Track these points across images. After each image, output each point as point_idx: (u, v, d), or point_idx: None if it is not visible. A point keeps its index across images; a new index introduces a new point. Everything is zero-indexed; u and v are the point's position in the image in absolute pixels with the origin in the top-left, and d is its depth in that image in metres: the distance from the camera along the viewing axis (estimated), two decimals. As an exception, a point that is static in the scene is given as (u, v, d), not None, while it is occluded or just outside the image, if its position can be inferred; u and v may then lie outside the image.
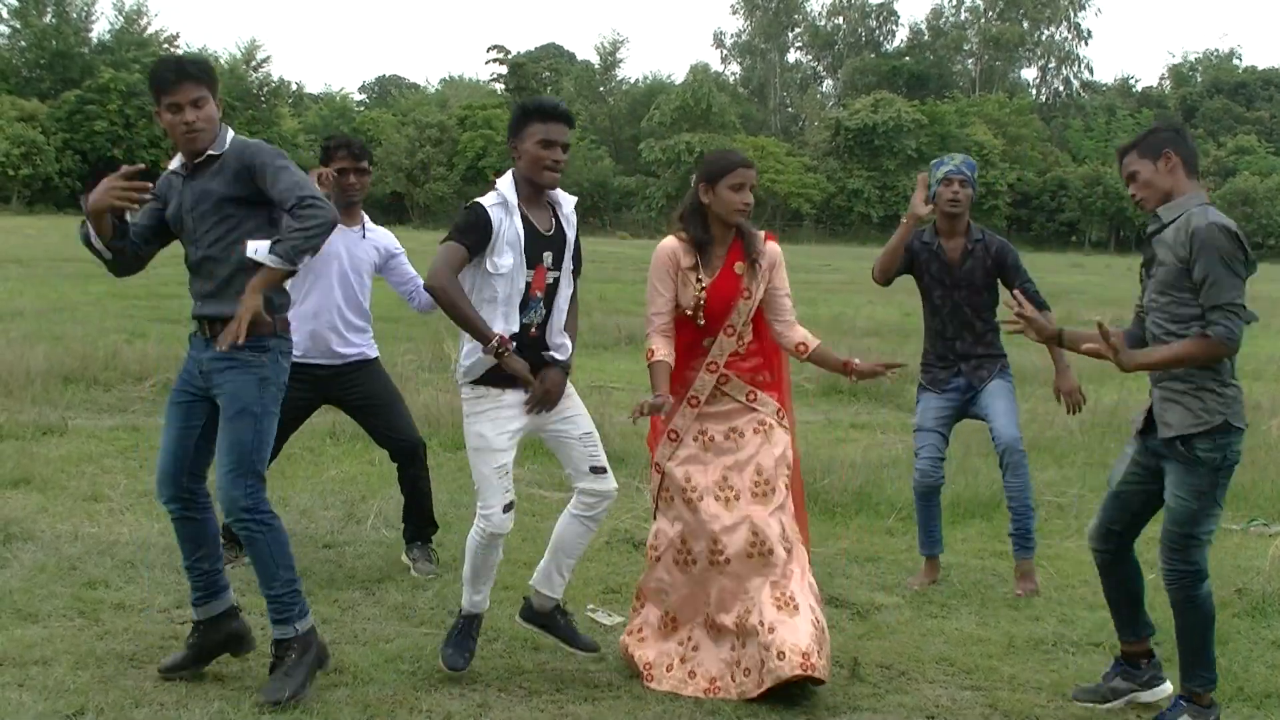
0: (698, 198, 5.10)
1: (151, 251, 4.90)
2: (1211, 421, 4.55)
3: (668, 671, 4.99)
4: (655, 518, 5.20)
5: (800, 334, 5.24)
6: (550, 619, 5.09)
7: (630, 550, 6.83)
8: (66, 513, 7.07)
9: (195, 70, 4.65)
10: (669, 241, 5.15)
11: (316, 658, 4.71)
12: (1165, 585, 4.65)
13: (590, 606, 5.84)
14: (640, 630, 5.17)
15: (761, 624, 4.82)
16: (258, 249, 4.46)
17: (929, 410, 6.44)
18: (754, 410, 5.14)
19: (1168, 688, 4.92)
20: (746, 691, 4.80)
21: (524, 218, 4.78)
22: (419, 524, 6.44)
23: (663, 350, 5.09)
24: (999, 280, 6.38)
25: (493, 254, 4.71)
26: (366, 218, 6.42)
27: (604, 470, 4.97)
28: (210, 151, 4.65)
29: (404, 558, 6.40)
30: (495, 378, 4.78)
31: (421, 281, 6.33)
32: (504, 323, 4.74)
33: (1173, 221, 4.59)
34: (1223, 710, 4.76)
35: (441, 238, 4.75)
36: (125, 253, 4.82)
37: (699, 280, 5.07)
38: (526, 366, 4.70)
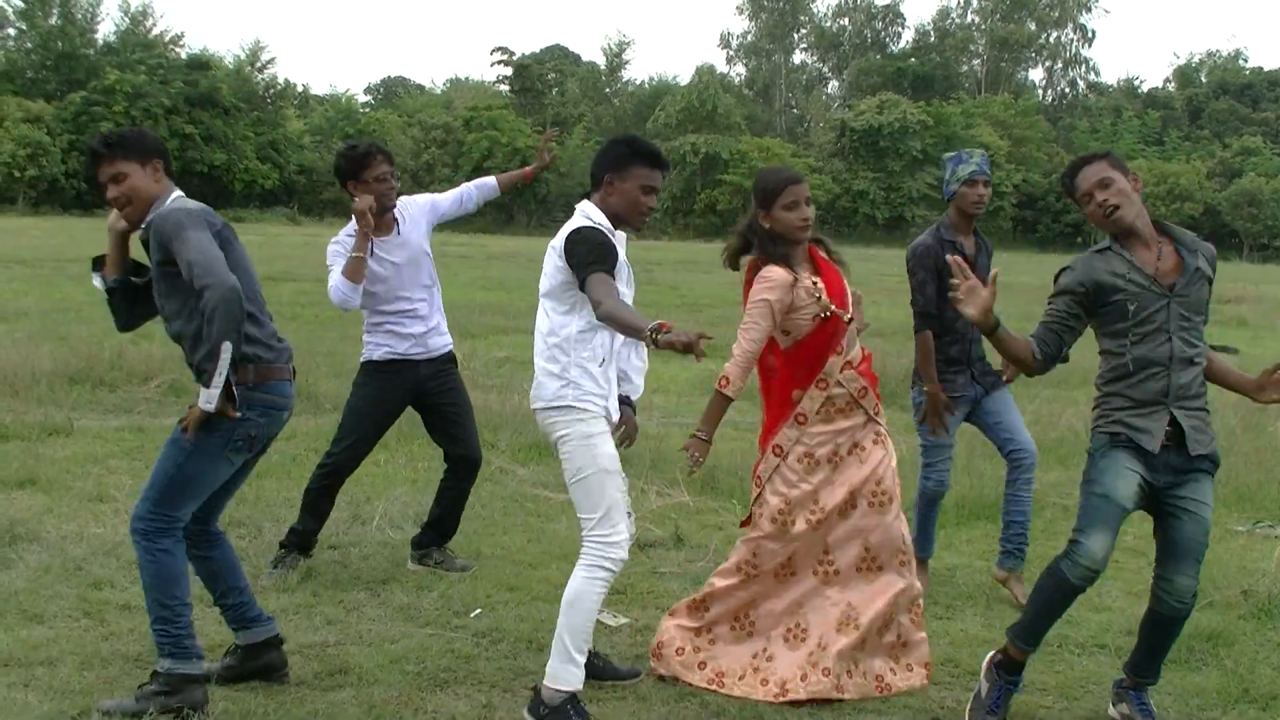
0: (760, 224, 5.02)
1: (146, 311, 4.95)
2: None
3: (740, 680, 5.01)
4: (758, 525, 5.07)
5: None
6: (589, 666, 4.84)
7: (635, 551, 6.80)
8: (72, 513, 7.07)
9: (104, 147, 4.67)
10: (780, 271, 4.91)
11: (181, 702, 4.48)
12: (1187, 601, 4.62)
13: (601, 609, 5.83)
14: (710, 640, 5.13)
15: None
16: (205, 399, 4.41)
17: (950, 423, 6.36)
18: (874, 422, 5.08)
19: None
20: (819, 691, 4.88)
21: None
22: (447, 532, 6.47)
23: (737, 385, 4.87)
24: None
25: (616, 279, 4.53)
26: (396, 214, 6.26)
27: (630, 514, 4.79)
28: (145, 224, 4.67)
29: (417, 565, 6.40)
30: (599, 395, 4.64)
31: (467, 188, 6.59)
32: (615, 346, 4.71)
33: (1183, 241, 4.64)
34: (1228, 712, 4.76)
35: (583, 256, 4.47)
36: (127, 294, 4.91)
37: (814, 281, 4.97)
38: (684, 334, 4.03)
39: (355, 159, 6.06)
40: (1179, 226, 4.74)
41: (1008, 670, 4.72)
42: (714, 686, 5.00)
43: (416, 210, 6.35)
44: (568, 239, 4.55)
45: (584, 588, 4.54)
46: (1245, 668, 5.31)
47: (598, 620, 5.60)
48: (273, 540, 6.58)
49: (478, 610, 5.71)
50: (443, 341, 6.38)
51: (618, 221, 4.72)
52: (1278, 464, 9.13)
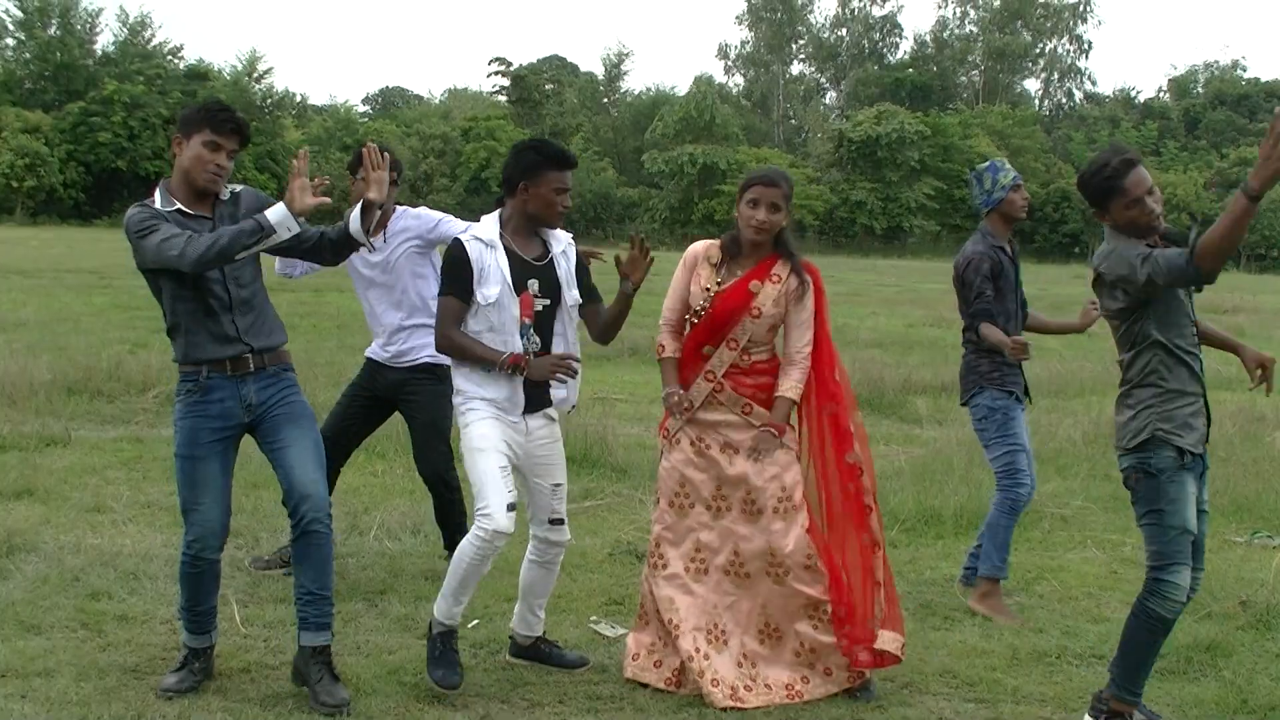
0: (735, 210, 5.21)
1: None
2: None
3: (696, 679, 5.01)
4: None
5: (782, 384, 5.14)
6: (535, 650, 5.28)
7: (633, 562, 6.82)
8: (69, 524, 7.07)
9: (247, 132, 4.82)
10: (704, 241, 5.29)
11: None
12: (1189, 596, 4.64)
13: (593, 619, 5.83)
14: (664, 642, 5.14)
15: (744, 652, 5.04)
16: (353, 219, 4.66)
17: (1022, 428, 6.26)
18: (751, 426, 5.12)
19: None
20: (714, 700, 4.90)
21: (507, 249, 4.94)
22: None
23: (671, 347, 5.23)
24: None
25: (480, 286, 4.85)
26: (399, 207, 6.30)
27: (561, 522, 5.15)
28: (223, 195, 4.82)
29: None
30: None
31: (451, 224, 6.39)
32: (510, 349, 4.87)
33: None
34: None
35: (441, 284, 4.96)
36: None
37: (715, 284, 5.13)
38: (545, 364, 4.85)
39: (355, 156, 6.11)
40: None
41: None
42: (669, 686, 5.04)
43: (413, 223, 6.30)
44: None
45: (464, 547, 4.85)
46: (1244, 679, 5.30)
47: (595, 630, 5.63)
48: (270, 550, 6.58)
49: (475, 621, 5.70)
50: (406, 351, 6.31)
51: (536, 223, 5.01)
52: (1275, 474, 9.13)
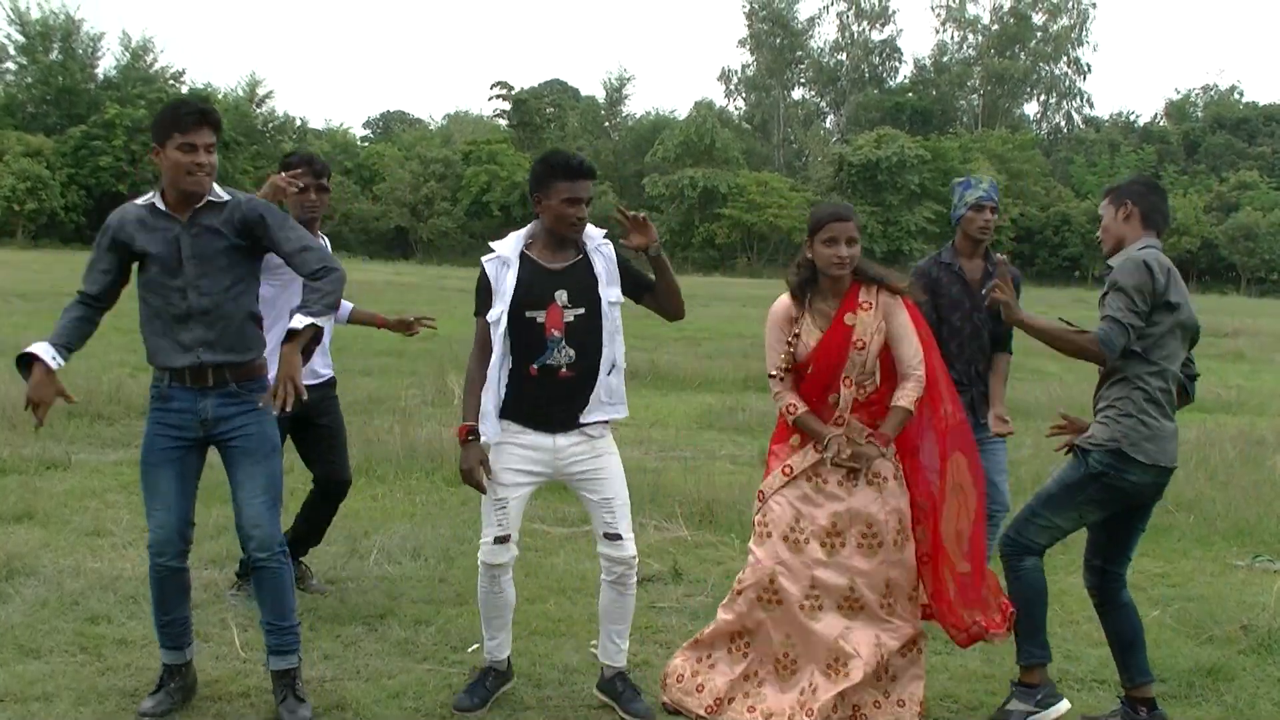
0: (804, 253, 5.13)
1: (116, 297, 4.89)
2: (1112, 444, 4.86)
3: (730, 704, 5.02)
4: (751, 549, 5.15)
5: (896, 394, 5.08)
6: (610, 685, 5.12)
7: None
8: (69, 548, 7.06)
9: (214, 118, 4.72)
10: (782, 299, 5.16)
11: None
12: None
13: (593, 643, 5.81)
14: (710, 664, 5.12)
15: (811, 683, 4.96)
16: (301, 319, 4.49)
17: None
18: (883, 459, 5.06)
19: None
20: None
21: (532, 262, 4.87)
22: (306, 546, 6.48)
23: (800, 404, 5.07)
24: None
25: (494, 305, 4.86)
26: (323, 235, 6.26)
27: (619, 537, 4.99)
28: (210, 197, 4.69)
29: (238, 578, 6.38)
30: (518, 414, 4.91)
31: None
32: (496, 368, 4.86)
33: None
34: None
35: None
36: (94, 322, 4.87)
37: (795, 335, 5.07)
38: (476, 460, 4.83)
39: (282, 165, 6.22)
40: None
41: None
42: (710, 714, 5.00)
43: None
44: None
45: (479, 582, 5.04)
46: (1245, 703, 5.29)
47: (595, 654, 5.61)
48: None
49: (475, 645, 5.68)
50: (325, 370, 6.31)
51: (555, 236, 4.93)
52: (1276, 498, 9.13)
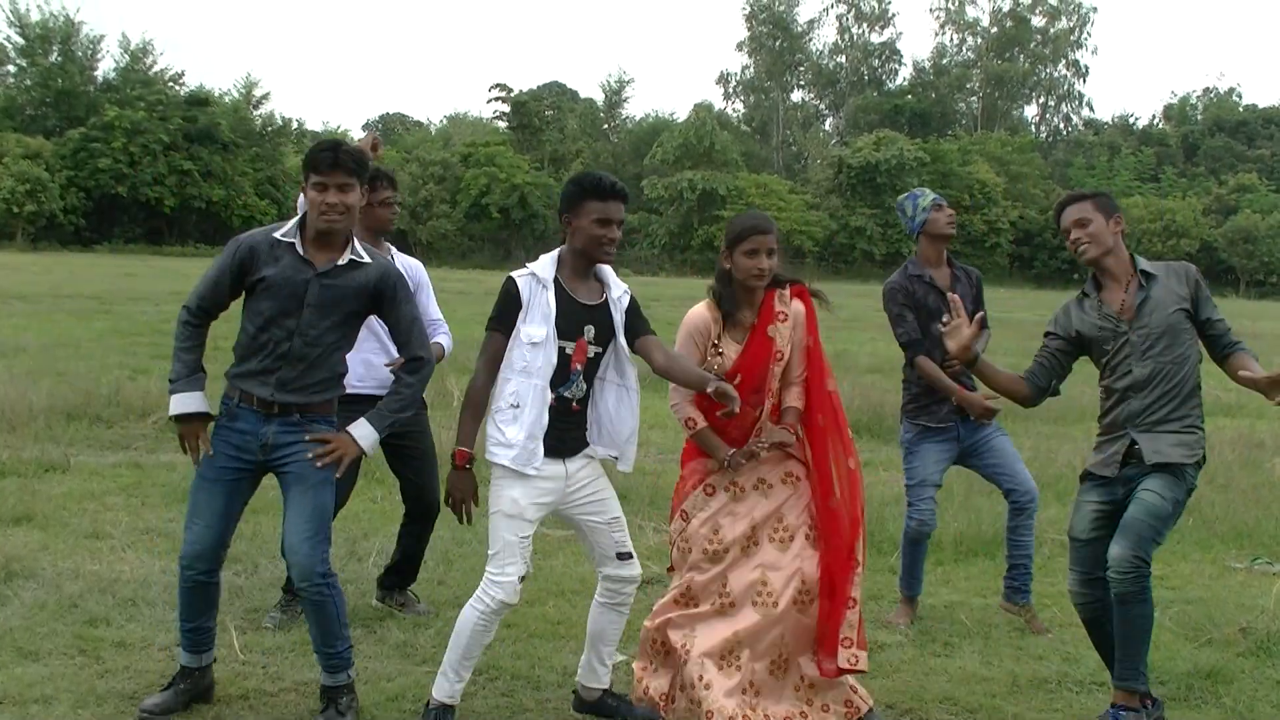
0: (722, 264, 5.10)
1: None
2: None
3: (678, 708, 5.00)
4: (672, 569, 5.19)
5: (786, 397, 5.12)
6: (602, 704, 5.03)
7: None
8: (68, 550, 7.06)
9: (349, 160, 4.70)
10: (699, 309, 5.13)
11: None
12: (1123, 571, 4.80)
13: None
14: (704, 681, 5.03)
15: (751, 680, 4.94)
16: (367, 432, 4.81)
17: (928, 462, 6.40)
18: (788, 458, 5.09)
19: None
20: None
21: (563, 290, 4.73)
22: (407, 576, 6.41)
23: (700, 418, 5.07)
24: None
25: (524, 323, 4.66)
26: (393, 249, 6.25)
27: (630, 556, 4.94)
28: (353, 257, 4.75)
29: (381, 603, 6.34)
30: (545, 446, 4.71)
31: (441, 323, 6.32)
32: (537, 394, 4.64)
33: (1156, 274, 5.05)
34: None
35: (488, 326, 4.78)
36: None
37: (714, 347, 5.06)
38: (470, 490, 4.67)
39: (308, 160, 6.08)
40: (1158, 261, 5.14)
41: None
42: (662, 703, 5.02)
43: (413, 270, 6.22)
44: None
45: (467, 614, 4.71)
46: (1244, 705, 5.29)
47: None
48: (269, 577, 6.57)
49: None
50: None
51: (585, 260, 4.79)
52: (1275, 500, 9.13)
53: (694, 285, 44.27)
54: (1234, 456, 10.80)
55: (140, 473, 9.26)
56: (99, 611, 5.95)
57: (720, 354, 5.04)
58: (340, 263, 4.71)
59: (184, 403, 4.72)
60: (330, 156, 4.64)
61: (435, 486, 6.29)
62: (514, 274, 4.73)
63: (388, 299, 4.79)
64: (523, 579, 4.68)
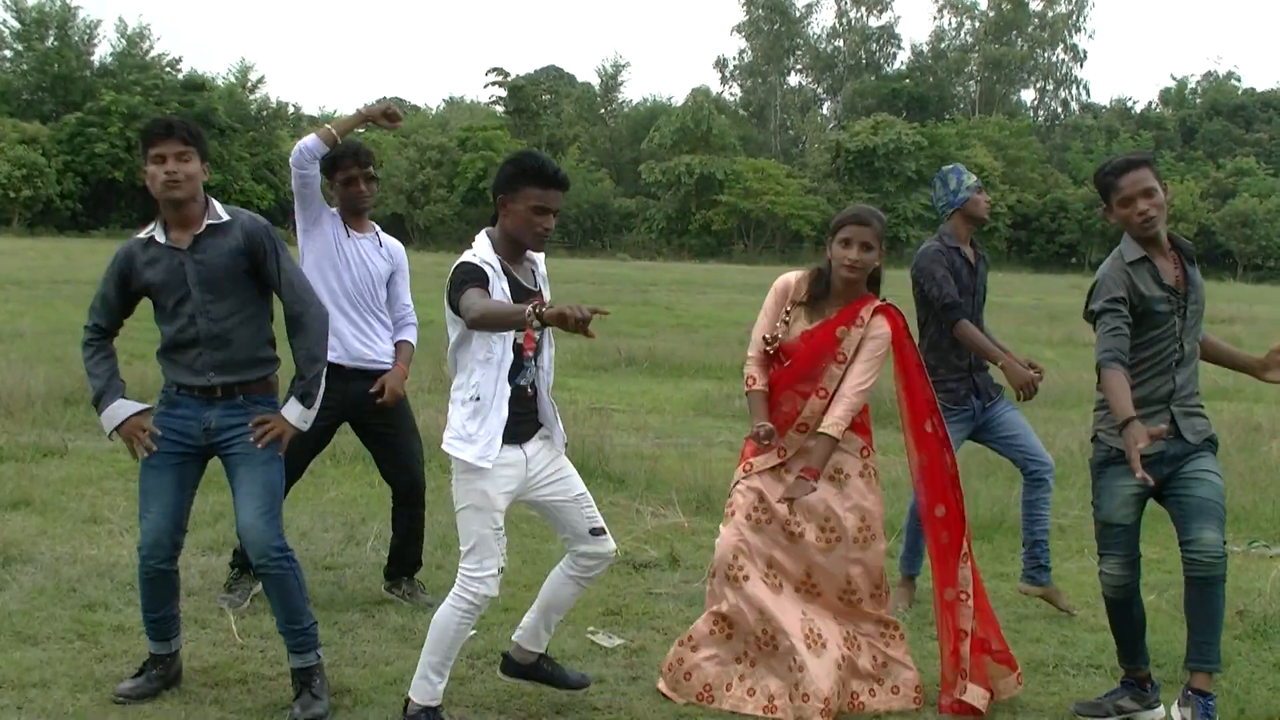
0: (826, 251, 5.16)
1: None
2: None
3: (727, 691, 5.02)
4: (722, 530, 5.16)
5: (825, 419, 5.03)
6: (536, 668, 4.97)
7: (630, 572, 6.82)
8: (66, 535, 7.06)
9: (180, 126, 4.70)
10: (795, 273, 5.20)
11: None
12: (1218, 555, 4.77)
13: (590, 629, 5.83)
14: (694, 648, 5.10)
15: (795, 660, 4.91)
16: (298, 410, 4.76)
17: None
18: (839, 451, 5.10)
19: (1162, 711, 5.01)
20: (805, 716, 4.83)
21: (511, 276, 4.55)
22: (410, 562, 6.35)
23: (760, 380, 5.14)
24: None
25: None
26: (378, 228, 6.24)
27: (603, 531, 4.85)
28: (210, 221, 4.71)
29: (389, 593, 6.29)
30: (504, 433, 4.53)
31: (411, 312, 6.30)
32: (499, 388, 4.48)
33: (1185, 250, 4.98)
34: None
35: (451, 296, 4.38)
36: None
37: (786, 315, 5.11)
38: (569, 308, 3.95)
39: (328, 160, 6.04)
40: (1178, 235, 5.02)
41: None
42: (701, 701, 5.00)
43: (396, 254, 6.26)
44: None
45: (446, 614, 4.56)
46: (1241, 688, 5.30)
47: (593, 640, 5.62)
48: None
49: (472, 631, 5.68)
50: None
51: (515, 245, 4.58)
52: (1272, 483, 9.14)
53: (692, 269, 44.28)
54: (1231, 440, 10.78)
55: (138, 458, 9.25)
56: (97, 596, 5.96)
57: (788, 324, 5.10)
58: (199, 231, 4.69)
59: (114, 414, 4.87)
60: (164, 127, 4.67)
61: (415, 465, 6.26)
62: (469, 258, 4.47)
63: (260, 255, 4.71)
64: (501, 570, 4.57)
